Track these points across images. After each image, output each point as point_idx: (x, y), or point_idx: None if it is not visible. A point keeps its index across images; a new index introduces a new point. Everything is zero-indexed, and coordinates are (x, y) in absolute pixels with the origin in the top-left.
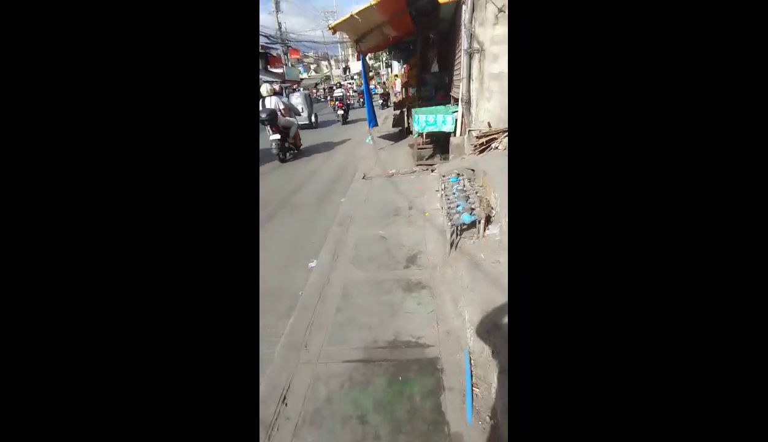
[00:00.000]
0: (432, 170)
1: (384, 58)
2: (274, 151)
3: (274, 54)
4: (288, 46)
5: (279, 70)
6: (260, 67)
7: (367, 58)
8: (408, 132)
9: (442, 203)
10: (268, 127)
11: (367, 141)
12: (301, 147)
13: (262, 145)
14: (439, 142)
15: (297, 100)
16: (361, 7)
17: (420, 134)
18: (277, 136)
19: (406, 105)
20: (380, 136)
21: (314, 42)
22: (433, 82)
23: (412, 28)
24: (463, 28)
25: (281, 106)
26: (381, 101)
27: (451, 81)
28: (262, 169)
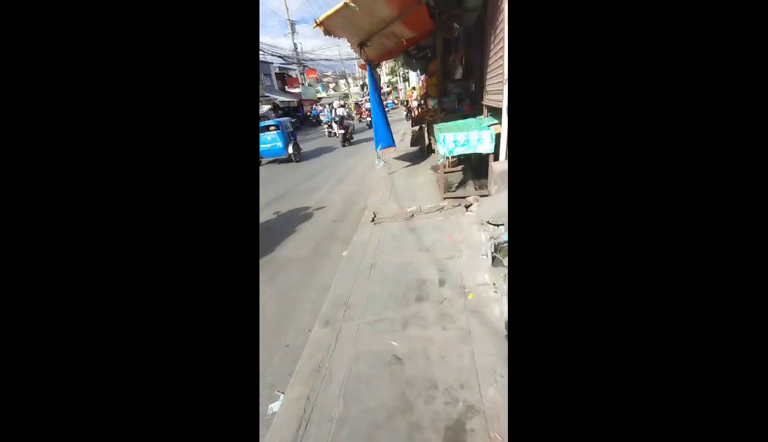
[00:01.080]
0: (467, 207)
1: (401, 73)
2: (340, 140)
3: (292, 75)
4: (304, 67)
5: (296, 90)
6: (277, 87)
7: (379, 69)
8: (430, 151)
9: (493, 276)
10: (336, 125)
11: (377, 164)
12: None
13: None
14: (472, 164)
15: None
16: None
17: (447, 158)
18: (343, 131)
19: (425, 120)
20: (397, 157)
21: (331, 60)
22: (456, 92)
23: (430, 26)
24: (505, 12)
25: (345, 113)
26: (405, 113)
27: (482, 87)
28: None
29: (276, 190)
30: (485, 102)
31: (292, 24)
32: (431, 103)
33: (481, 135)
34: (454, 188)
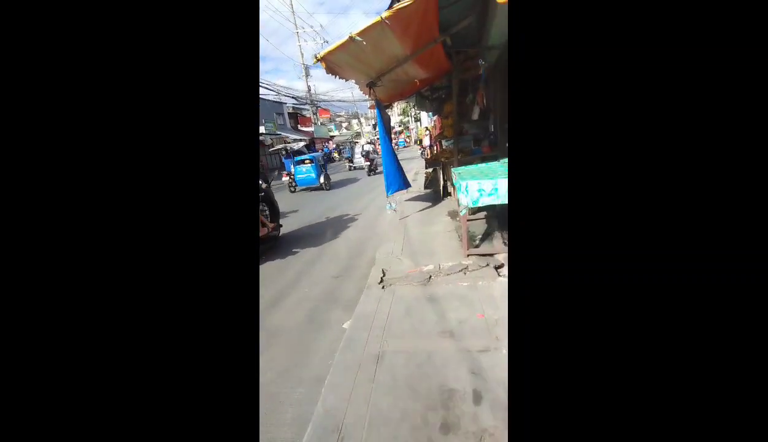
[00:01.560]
0: (498, 269)
1: (413, 113)
2: (366, 170)
3: (306, 114)
4: (317, 107)
5: (309, 129)
6: (289, 125)
7: (390, 110)
8: (445, 194)
9: None
10: (363, 158)
11: (388, 208)
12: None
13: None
14: (496, 210)
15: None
16: (365, 25)
17: (469, 209)
18: (368, 163)
19: (440, 161)
20: (410, 199)
21: (344, 101)
22: (473, 132)
23: (446, 67)
24: None
25: (371, 149)
26: (420, 150)
27: (506, 128)
28: None
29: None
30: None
31: (306, 68)
32: (445, 143)
33: None
34: (477, 241)
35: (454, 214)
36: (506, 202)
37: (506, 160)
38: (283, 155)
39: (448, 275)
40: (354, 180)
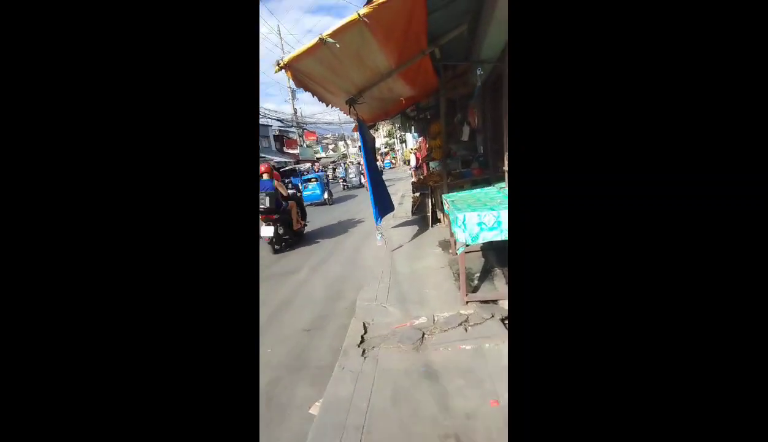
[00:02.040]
0: (504, 321)
1: (398, 135)
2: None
3: (292, 137)
4: (303, 129)
5: (294, 151)
6: (275, 148)
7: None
8: (435, 220)
9: None
10: (361, 176)
11: (378, 239)
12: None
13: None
14: (494, 244)
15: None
16: (339, 23)
17: (467, 246)
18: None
19: (429, 185)
20: (396, 225)
21: (331, 123)
22: (462, 154)
23: (434, 83)
24: None
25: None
26: (409, 170)
27: (501, 149)
28: None
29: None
30: (509, 168)
31: (293, 91)
32: (432, 166)
33: None
34: (475, 281)
35: (445, 246)
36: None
37: (502, 184)
38: (294, 174)
39: (444, 330)
40: (352, 196)
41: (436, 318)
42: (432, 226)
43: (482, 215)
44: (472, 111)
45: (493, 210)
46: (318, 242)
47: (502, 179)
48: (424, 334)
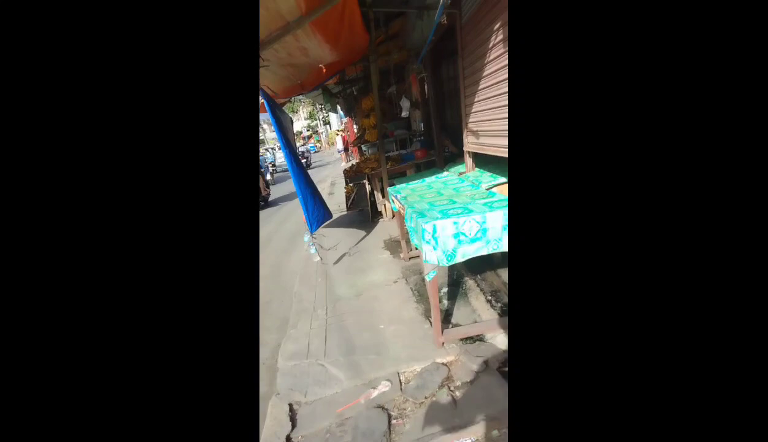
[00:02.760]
0: (501, 370)
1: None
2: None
3: None
4: None
5: None
6: None
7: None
8: (375, 213)
9: None
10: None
11: (311, 251)
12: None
13: None
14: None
15: None
16: None
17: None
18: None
19: (365, 173)
20: (330, 225)
21: None
22: (398, 133)
23: (363, 43)
24: None
25: (305, 150)
26: (339, 151)
27: (462, 126)
28: None
29: None
30: (470, 148)
31: None
32: (365, 150)
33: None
34: (444, 302)
35: (393, 247)
36: (504, 248)
37: (459, 168)
38: None
39: (420, 403)
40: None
41: (403, 380)
42: (373, 220)
43: (460, 223)
44: (414, 79)
45: (472, 213)
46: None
47: (452, 161)
48: (390, 419)
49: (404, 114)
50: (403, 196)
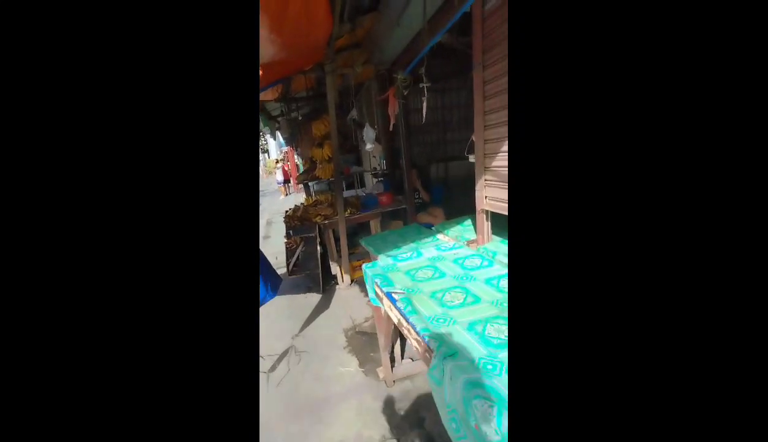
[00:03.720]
0: None
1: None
2: None
3: None
4: None
5: None
6: None
7: None
8: (328, 279)
9: None
10: None
11: None
12: None
13: None
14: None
15: None
16: None
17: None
18: None
19: (315, 223)
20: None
21: None
22: (355, 170)
23: (322, 33)
24: None
25: None
26: (278, 185)
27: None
28: None
29: None
30: (490, 206)
31: None
32: (313, 188)
33: None
34: None
35: (359, 346)
36: None
37: (460, 230)
38: None
39: None
40: None
41: None
42: (324, 288)
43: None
44: (393, 96)
45: None
46: None
47: (423, 209)
48: None
49: (369, 147)
50: (403, 290)
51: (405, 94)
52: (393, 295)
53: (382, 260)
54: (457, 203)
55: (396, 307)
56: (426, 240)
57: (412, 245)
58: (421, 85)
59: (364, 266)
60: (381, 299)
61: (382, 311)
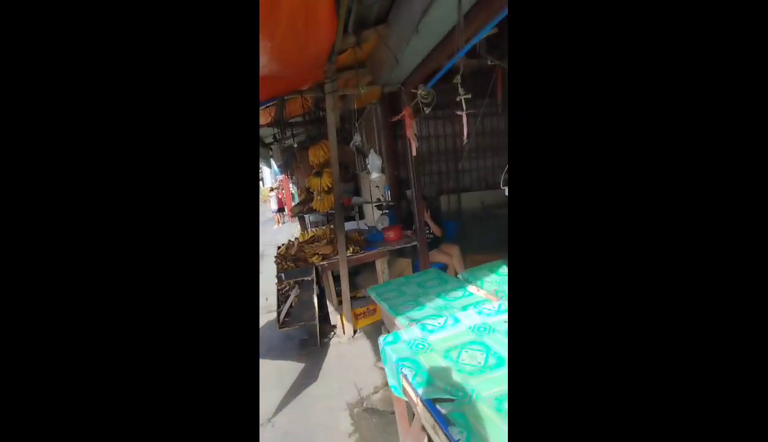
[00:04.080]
0: None
1: None
2: None
3: None
4: None
5: None
6: None
7: None
8: (325, 332)
9: None
10: None
11: None
12: None
13: None
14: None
15: None
16: None
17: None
18: None
19: (311, 263)
20: None
21: None
22: (358, 201)
23: (325, 39)
24: None
25: None
26: (273, 214)
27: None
28: None
29: None
30: None
31: None
32: (310, 221)
33: None
34: None
35: (367, 429)
36: None
37: (494, 278)
38: None
39: None
40: None
41: None
42: (322, 342)
43: None
44: (410, 116)
45: None
46: None
47: (435, 246)
48: None
49: (374, 176)
50: (450, 393)
51: (426, 112)
52: (438, 408)
53: (406, 332)
54: (474, 240)
55: (440, 424)
56: (455, 294)
57: (438, 300)
58: (458, 99)
59: (381, 340)
60: (409, 396)
61: (405, 404)
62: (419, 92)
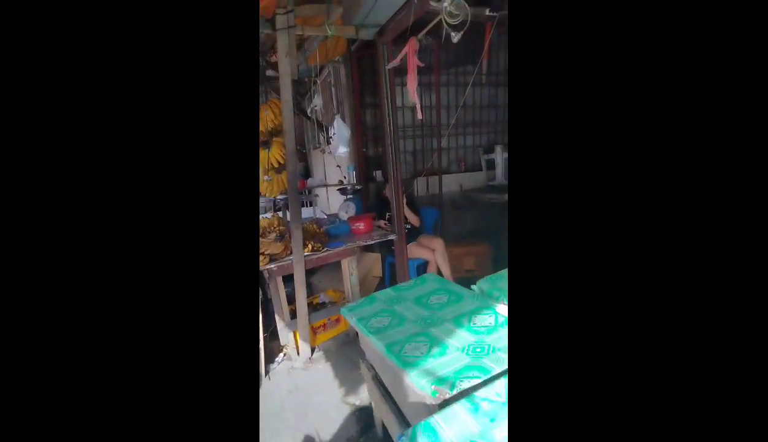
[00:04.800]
0: None
1: None
2: None
3: None
4: None
5: None
6: None
7: None
8: (271, 357)
9: None
10: None
11: None
12: None
13: None
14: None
15: None
16: None
17: None
18: None
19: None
20: None
21: None
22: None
23: None
24: None
25: None
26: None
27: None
28: None
29: None
30: None
31: None
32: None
33: None
34: None
35: None
36: None
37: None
38: None
39: None
40: None
41: None
42: (267, 372)
43: None
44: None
45: None
46: None
47: (412, 238)
48: None
49: (340, 151)
50: None
51: (455, 39)
52: None
53: (445, 421)
54: (461, 230)
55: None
56: (483, 321)
57: (464, 333)
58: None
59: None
60: None
61: None
62: (444, 5)
